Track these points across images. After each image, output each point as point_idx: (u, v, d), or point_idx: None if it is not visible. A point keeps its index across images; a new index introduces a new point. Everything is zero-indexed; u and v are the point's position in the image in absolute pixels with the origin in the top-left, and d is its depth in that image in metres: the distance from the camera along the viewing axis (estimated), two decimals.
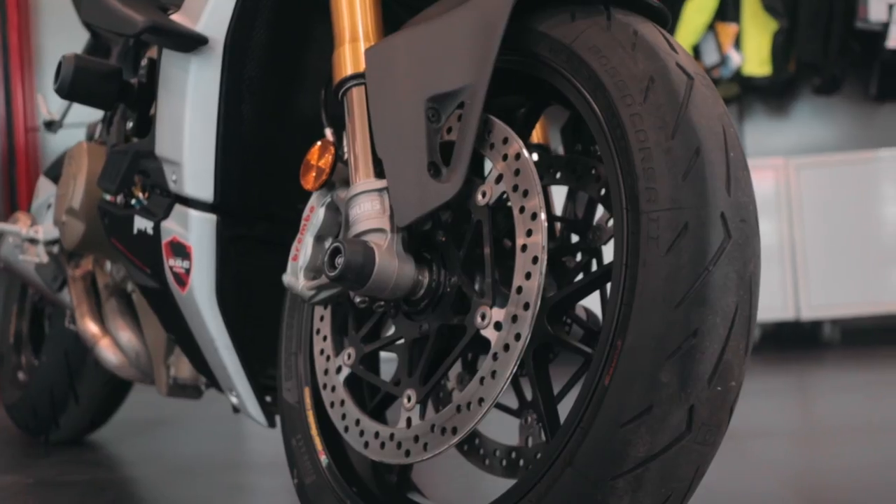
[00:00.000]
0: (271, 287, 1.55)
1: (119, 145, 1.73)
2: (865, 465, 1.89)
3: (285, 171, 1.53)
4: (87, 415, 2.56)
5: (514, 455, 1.27)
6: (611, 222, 1.22)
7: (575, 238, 1.27)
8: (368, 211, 1.11)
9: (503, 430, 1.35)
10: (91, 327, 2.05)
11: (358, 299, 1.15)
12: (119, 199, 1.66)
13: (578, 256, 1.25)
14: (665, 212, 0.90)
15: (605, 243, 1.22)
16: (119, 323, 1.96)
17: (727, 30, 4.10)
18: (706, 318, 0.87)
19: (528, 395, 1.28)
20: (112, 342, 2.02)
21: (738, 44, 4.14)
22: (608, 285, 1.11)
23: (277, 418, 1.58)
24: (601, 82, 0.98)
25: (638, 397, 0.88)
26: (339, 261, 1.05)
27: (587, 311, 1.25)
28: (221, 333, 1.49)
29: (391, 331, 1.24)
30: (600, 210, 1.26)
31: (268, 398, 1.55)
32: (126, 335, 1.94)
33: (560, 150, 1.32)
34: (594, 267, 1.26)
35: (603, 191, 1.23)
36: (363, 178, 1.13)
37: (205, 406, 3.17)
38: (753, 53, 4.09)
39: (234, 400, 1.57)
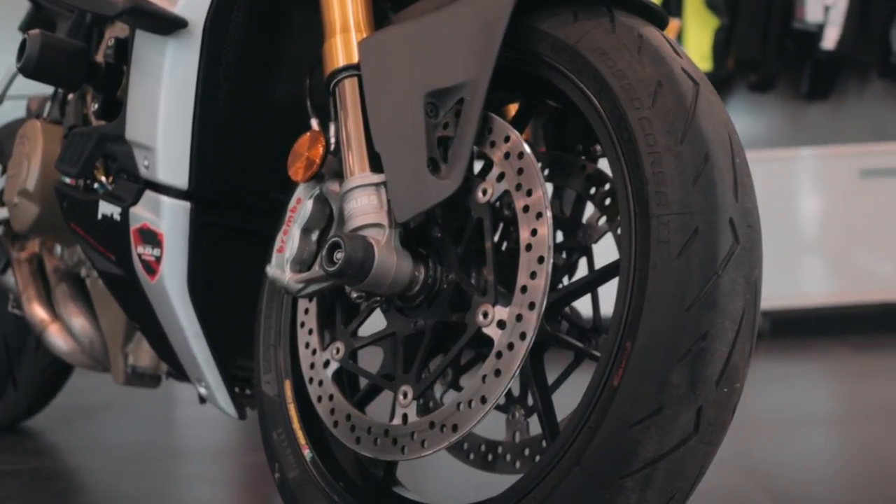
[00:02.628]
0: (242, 276, 1.53)
1: (79, 127, 1.67)
2: (810, 455, 1.96)
3: (258, 159, 1.51)
4: (25, 401, 2.49)
5: (499, 450, 1.28)
6: (601, 221, 1.23)
7: (559, 235, 1.27)
8: (366, 205, 1.10)
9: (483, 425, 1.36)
10: (39, 312, 1.99)
11: (354, 294, 1.13)
12: (79, 182, 1.61)
13: (563, 254, 1.26)
14: (676, 216, 0.91)
15: (595, 241, 1.24)
16: (71, 308, 1.90)
17: (669, 25, 4.16)
18: (715, 322, 0.89)
19: (515, 391, 1.29)
20: (62, 328, 1.96)
21: (679, 39, 4.21)
22: (603, 285, 1.14)
23: (249, 411, 1.56)
24: (607, 84, 0.99)
25: (648, 398, 0.89)
26: (339, 256, 1.04)
27: (571, 307, 1.26)
28: (192, 323, 1.46)
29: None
30: (588, 207, 1.27)
31: (237, 389, 1.53)
32: (79, 321, 1.88)
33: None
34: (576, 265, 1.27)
35: (593, 189, 1.24)
36: (359, 172, 1.12)
37: (139, 392, 3.12)
38: (695, 49, 4.16)
39: (202, 391, 1.54)
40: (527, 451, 1.25)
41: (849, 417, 2.41)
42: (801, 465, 1.87)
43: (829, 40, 3.96)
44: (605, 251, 1.25)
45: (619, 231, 1.21)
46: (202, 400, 1.61)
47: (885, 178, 3.93)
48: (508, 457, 1.27)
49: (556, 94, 1.13)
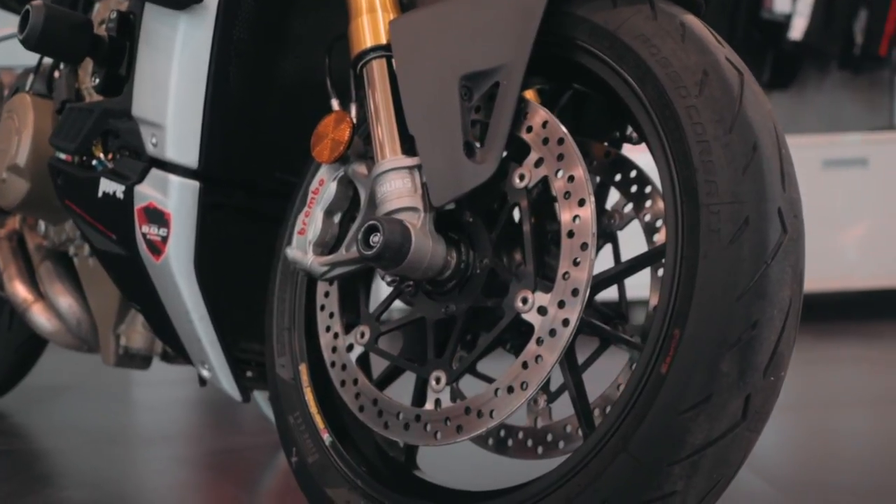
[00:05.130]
0: (246, 257, 1.51)
1: (72, 101, 1.63)
2: (787, 440, 2.00)
3: (265, 139, 1.49)
4: None
5: (520, 435, 1.28)
6: (627, 207, 1.23)
7: None
8: (400, 189, 1.08)
9: None
10: (22, 291, 1.94)
11: (388, 279, 1.12)
12: (75, 159, 1.57)
13: None
14: (726, 205, 0.91)
15: (621, 228, 1.24)
16: (57, 287, 1.86)
17: None
18: (765, 311, 0.90)
19: None
20: (46, 307, 1.91)
21: None
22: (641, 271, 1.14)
23: (252, 393, 1.54)
24: (651, 71, 0.99)
25: (698, 386, 0.89)
26: (376, 239, 1.02)
27: None
28: (197, 304, 1.44)
29: None
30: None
31: (248, 373, 1.51)
32: (66, 301, 1.84)
33: None
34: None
35: (618, 175, 1.24)
36: (390, 155, 1.11)
37: (99, 373, 3.06)
38: None
39: (205, 373, 1.51)
40: (549, 437, 1.25)
41: (817, 403, 2.46)
42: (784, 450, 1.91)
43: (797, 31, 4.03)
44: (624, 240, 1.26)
45: (646, 218, 1.21)
46: (203, 382, 1.59)
47: (846, 168, 4.01)
48: (530, 442, 1.27)
49: (584, 79, 1.13)
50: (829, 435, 2.07)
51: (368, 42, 1.16)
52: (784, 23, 4.09)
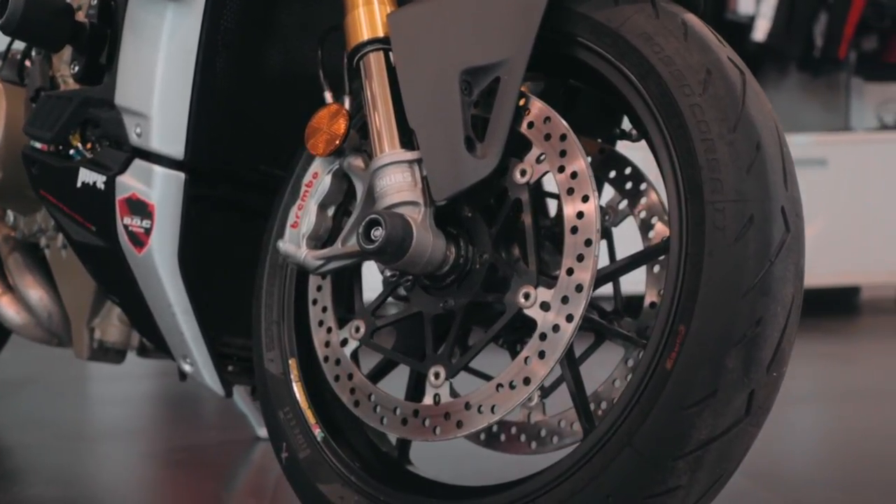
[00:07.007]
0: (230, 250, 1.49)
1: (48, 89, 1.59)
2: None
3: (251, 131, 1.47)
4: None
5: (513, 431, 1.28)
6: (622, 204, 1.24)
7: None
8: (400, 182, 1.07)
9: None
10: None
11: (388, 273, 1.11)
12: (51, 148, 1.53)
13: None
14: (731, 203, 0.92)
15: (615, 225, 1.25)
16: (28, 280, 1.81)
17: None
18: (769, 308, 0.91)
19: None
20: (14, 299, 1.87)
21: None
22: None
23: (236, 388, 1.52)
24: (654, 69, 0.99)
25: (704, 382, 0.90)
26: (378, 233, 1.02)
27: None
28: (181, 298, 1.41)
29: None
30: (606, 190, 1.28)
31: (231, 368, 1.49)
32: (37, 293, 1.80)
33: None
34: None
35: (613, 172, 1.25)
36: (389, 149, 1.10)
37: (58, 367, 3.01)
38: None
39: (186, 367, 1.49)
40: (543, 433, 1.25)
41: (781, 399, 2.50)
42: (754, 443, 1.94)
43: (760, 32, 4.08)
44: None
45: (641, 215, 1.22)
46: (183, 377, 1.56)
47: (806, 168, 4.08)
48: (523, 437, 1.27)
49: (581, 75, 1.13)
50: (794, 429, 2.11)
51: (365, 35, 1.15)
52: (747, 24, 4.14)
